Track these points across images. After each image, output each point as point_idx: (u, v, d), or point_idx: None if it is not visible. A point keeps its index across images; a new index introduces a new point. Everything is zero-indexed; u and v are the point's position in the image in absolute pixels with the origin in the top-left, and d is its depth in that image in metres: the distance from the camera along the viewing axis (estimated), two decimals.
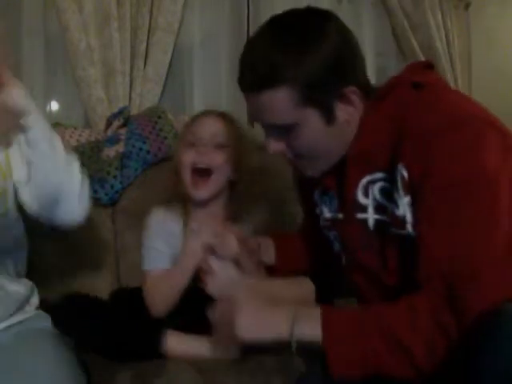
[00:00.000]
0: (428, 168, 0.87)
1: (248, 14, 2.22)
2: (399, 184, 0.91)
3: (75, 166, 1.08)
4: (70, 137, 1.67)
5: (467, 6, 2.51)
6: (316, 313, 0.88)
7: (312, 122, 0.95)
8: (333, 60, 0.93)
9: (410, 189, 0.90)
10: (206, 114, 1.36)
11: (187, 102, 2.17)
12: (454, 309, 0.81)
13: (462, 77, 2.46)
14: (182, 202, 1.32)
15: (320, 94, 0.93)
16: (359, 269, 1.03)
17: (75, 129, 1.73)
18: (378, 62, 2.47)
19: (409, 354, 0.83)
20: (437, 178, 0.86)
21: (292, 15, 1.02)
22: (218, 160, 1.28)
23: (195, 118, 1.35)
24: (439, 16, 2.41)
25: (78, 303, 1.18)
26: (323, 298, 1.16)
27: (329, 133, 0.96)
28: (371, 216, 0.97)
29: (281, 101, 0.94)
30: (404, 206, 0.91)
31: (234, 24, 2.23)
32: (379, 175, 0.96)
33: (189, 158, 1.28)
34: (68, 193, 1.05)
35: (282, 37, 0.96)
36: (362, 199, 0.98)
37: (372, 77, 2.57)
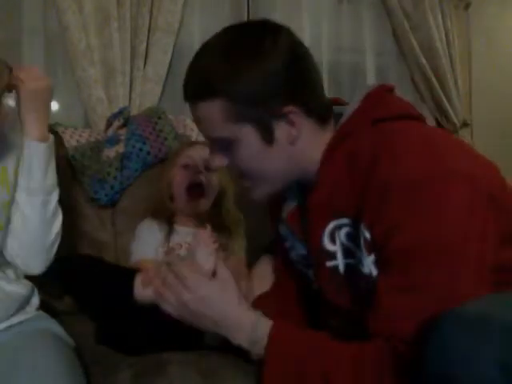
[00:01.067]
0: (390, 234, 0.83)
1: (248, 14, 2.22)
2: (362, 244, 0.88)
3: (57, 221, 1.09)
4: (70, 137, 1.67)
5: (467, 5, 2.51)
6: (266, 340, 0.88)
7: (249, 139, 0.90)
8: (272, 78, 0.87)
9: (373, 248, 0.87)
10: (197, 142, 1.58)
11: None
12: (398, 371, 0.79)
13: (462, 77, 2.47)
14: (166, 214, 1.46)
15: (255, 111, 0.88)
16: (335, 312, 1.01)
17: (75, 129, 1.73)
18: (377, 62, 2.47)
19: None
20: (399, 245, 0.83)
21: (245, 27, 0.97)
22: (210, 179, 1.47)
23: (187, 146, 1.55)
24: (439, 16, 2.42)
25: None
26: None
27: (271, 154, 0.91)
28: (340, 261, 0.95)
29: (214, 114, 0.89)
30: (369, 264, 0.88)
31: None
32: (344, 221, 0.92)
33: (185, 177, 1.46)
34: (38, 247, 1.07)
35: (226, 49, 0.90)
36: (329, 246, 0.95)
37: (372, 77, 2.56)
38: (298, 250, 1.05)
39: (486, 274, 0.83)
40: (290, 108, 0.89)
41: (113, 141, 1.67)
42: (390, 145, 0.86)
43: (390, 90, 0.98)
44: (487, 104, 2.52)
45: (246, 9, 2.23)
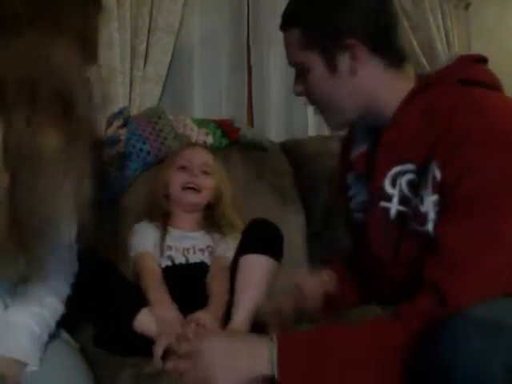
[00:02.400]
0: (464, 175, 0.86)
1: (248, 14, 2.22)
2: (429, 182, 0.91)
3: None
4: None
5: (467, 5, 2.51)
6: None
7: (316, 67, 1.00)
8: (339, 12, 0.98)
9: (440, 189, 0.89)
10: (196, 145, 1.64)
11: (187, 102, 2.17)
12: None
13: None
14: (160, 214, 1.49)
15: (320, 40, 0.99)
16: (372, 258, 1.03)
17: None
18: None
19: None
20: (471, 187, 0.85)
21: None
22: (205, 183, 1.50)
23: (187, 147, 1.59)
24: (439, 16, 2.41)
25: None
26: None
27: (336, 82, 1.00)
28: (394, 206, 0.98)
29: (292, 41, 1.03)
30: (429, 204, 0.91)
31: (233, 24, 2.23)
32: (409, 167, 0.96)
33: (181, 178, 1.49)
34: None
35: None
36: (388, 189, 0.98)
37: None
38: (360, 197, 1.09)
39: None
40: (352, 41, 0.97)
41: (113, 141, 1.67)
42: (471, 101, 0.91)
43: (482, 59, 1.04)
44: None
45: (246, 9, 2.23)
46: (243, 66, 2.25)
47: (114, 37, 1.94)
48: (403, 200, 0.96)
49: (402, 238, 0.96)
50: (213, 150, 1.70)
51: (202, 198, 1.50)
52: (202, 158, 1.54)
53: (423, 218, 0.91)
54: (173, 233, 1.47)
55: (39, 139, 0.82)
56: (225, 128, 1.82)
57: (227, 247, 1.42)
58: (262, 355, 0.86)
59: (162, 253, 1.42)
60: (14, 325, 0.93)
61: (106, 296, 1.22)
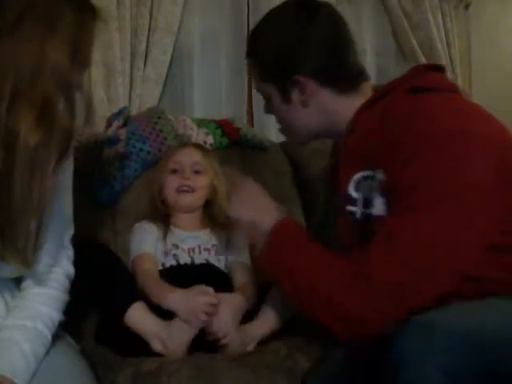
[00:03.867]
0: (402, 176, 0.92)
1: (248, 14, 2.22)
2: (378, 186, 0.98)
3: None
4: None
5: (467, 5, 2.51)
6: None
7: (273, 97, 1.10)
8: (286, 49, 1.06)
9: (386, 191, 0.95)
10: (185, 145, 1.60)
11: (187, 102, 2.17)
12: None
13: (462, 77, 2.47)
14: (160, 216, 1.49)
15: (273, 76, 1.08)
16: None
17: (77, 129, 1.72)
18: (378, 62, 2.47)
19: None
20: (406, 187, 0.91)
21: (288, 2, 1.14)
22: (198, 183, 1.49)
23: (176, 149, 1.57)
24: (439, 16, 2.42)
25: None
26: None
27: (291, 111, 1.10)
28: (359, 210, 1.02)
29: (252, 71, 1.14)
30: (379, 206, 0.98)
31: (233, 24, 2.23)
32: (369, 173, 1.01)
33: (175, 182, 1.48)
34: None
35: (268, 16, 1.12)
36: (353, 193, 1.03)
37: (372, 77, 2.58)
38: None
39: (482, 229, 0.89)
40: (299, 78, 1.05)
41: (113, 141, 1.67)
42: (417, 108, 0.96)
43: (434, 68, 1.09)
44: (487, 104, 2.52)
45: (246, 9, 2.23)
46: (243, 66, 2.24)
47: (114, 37, 1.94)
48: (367, 204, 1.01)
49: (368, 239, 0.98)
50: (213, 149, 1.70)
51: (197, 198, 1.49)
52: (191, 158, 1.52)
53: (377, 220, 0.97)
54: (176, 233, 1.46)
55: (14, 133, 0.85)
56: (225, 128, 1.82)
57: (238, 250, 1.43)
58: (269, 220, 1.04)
59: (166, 252, 1.41)
60: (2, 343, 0.92)
61: (102, 283, 1.23)
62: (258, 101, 2.26)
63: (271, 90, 1.09)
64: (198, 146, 1.61)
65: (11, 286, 1.02)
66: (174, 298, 1.22)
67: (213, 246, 1.45)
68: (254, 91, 2.24)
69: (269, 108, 1.15)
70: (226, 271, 1.43)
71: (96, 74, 1.93)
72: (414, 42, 2.39)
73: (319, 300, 0.92)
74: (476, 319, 0.79)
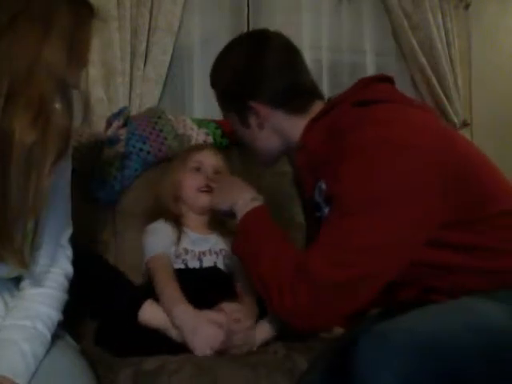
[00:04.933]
0: (335, 186, 0.99)
1: (248, 14, 2.22)
2: (322, 196, 1.06)
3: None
4: None
5: (467, 5, 2.51)
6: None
7: (235, 122, 1.20)
8: (238, 79, 1.15)
9: (328, 200, 1.03)
10: (207, 146, 1.63)
11: (187, 102, 2.17)
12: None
13: (462, 77, 2.47)
14: (173, 216, 1.48)
15: (230, 105, 1.19)
16: None
17: (75, 129, 1.73)
18: (377, 62, 2.47)
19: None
20: (335, 193, 0.98)
21: (241, 35, 1.27)
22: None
23: (198, 149, 1.58)
24: (439, 16, 2.41)
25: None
26: None
27: (251, 134, 1.18)
28: (325, 211, 1.07)
29: (216, 99, 1.25)
30: (327, 215, 1.03)
31: (233, 24, 2.23)
32: (322, 183, 1.08)
33: (196, 181, 1.49)
34: None
35: (224, 49, 1.22)
36: (317, 198, 1.10)
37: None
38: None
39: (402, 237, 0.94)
40: (252, 104, 1.13)
41: (113, 141, 1.67)
42: (354, 120, 1.01)
43: (380, 79, 1.14)
44: (487, 104, 2.52)
45: (246, 9, 2.23)
46: None
47: (114, 37, 1.94)
48: (327, 201, 1.06)
49: None
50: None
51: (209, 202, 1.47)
52: (214, 159, 1.53)
53: None
54: (189, 234, 1.46)
55: (9, 132, 0.85)
56: (225, 128, 1.82)
57: None
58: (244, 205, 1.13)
59: (176, 255, 1.40)
60: (2, 343, 0.92)
61: (103, 290, 1.24)
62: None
63: (232, 117, 1.19)
64: (217, 149, 1.63)
65: (10, 286, 1.02)
66: (183, 314, 1.22)
67: (221, 250, 1.45)
68: None
69: (236, 135, 1.24)
70: (230, 276, 1.42)
71: (96, 73, 1.93)
72: (414, 42, 2.39)
73: (272, 289, 0.99)
74: (430, 327, 0.81)
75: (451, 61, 2.44)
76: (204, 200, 1.45)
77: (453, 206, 0.94)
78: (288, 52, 1.17)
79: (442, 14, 2.42)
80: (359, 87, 1.10)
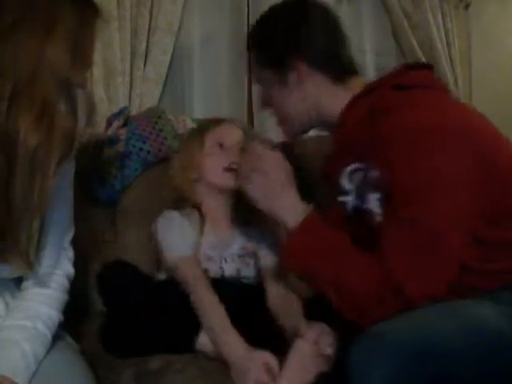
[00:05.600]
0: (388, 172, 0.97)
1: (248, 14, 2.22)
2: (371, 181, 1.01)
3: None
4: None
5: (467, 5, 2.51)
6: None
7: (272, 82, 1.17)
8: (286, 34, 1.14)
9: (379, 186, 0.99)
10: (230, 122, 1.44)
11: (187, 102, 2.17)
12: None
13: (462, 77, 2.46)
14: (192, 208, 1.34)
15: (271, 60, 1.16)
16: None
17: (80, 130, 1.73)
18: (377, 62, 2.47)
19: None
20: (395, 183, 0.96)
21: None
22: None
23: (215, 124, 1.40)
24: (439, 16, 2.41)
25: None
26: None
27: (286, 95, 1.16)
28: (351, 201, 1.06)
29: (253, 59, 1.22)
30: (373, 201, 1.01)
31: (234, 24, 2.23)
32: (360, 165, 1.05)
33: (222, 159, 1.34)
34: None
35: (269, 9, 1.21)
36: (346, 185, 1.07)
37: (372, 77, 2.57)
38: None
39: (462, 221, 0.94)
40: (295, 62, 1.13)
41: (113, 140, 1.67)
42: (398, 103, 1.01)
43: (422, 66, 1.18)
44: (487, 104, 2.52)
45: (246, 9, 2.22)
46: (243, 67, 2.24)
47: (114, 37, 1.94)
48: (359, 195, 1.05)
49: (359, 231, 1.02)
50: None
51: (235, 184, 1.27)
52: (236, 134, 1.39)
53: (370, 213, 1.01)
54: (209, 238, 1.32)
55: (14, 133, 0.85)
56: None
57: (270, 254, 1.31)
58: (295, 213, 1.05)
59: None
60: (2, 343, 0.92)
61: (159, 317, 1.14)
62: (258, 101, 2.26)
63: (269, 76, 1.17)
64: (236, 121, 1.49)
65: (11, 287, 1.02)
66: (235, 351, 1.07)
67: (243, 250, 1.33)
68: (254, 91, 2.25)
69: (266, 100, 1.21)
70: (255, 279, 1.32)
71: (96, 73, 1.93)
72: (414, 42, 2.39)
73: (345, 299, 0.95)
74: (424, 330, 0.81)
75: (451, 61, 2.43)
76: (230, 180, 1.29)
77: (486, 195, 0.95)
78: (336, 21, 1.18)
79: (442, 14, 2.42)
80: (400, 71, 1.12)
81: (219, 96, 2.21)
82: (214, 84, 2.21)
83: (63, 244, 1.05)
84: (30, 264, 0.92)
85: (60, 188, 1.02)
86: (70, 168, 1.06)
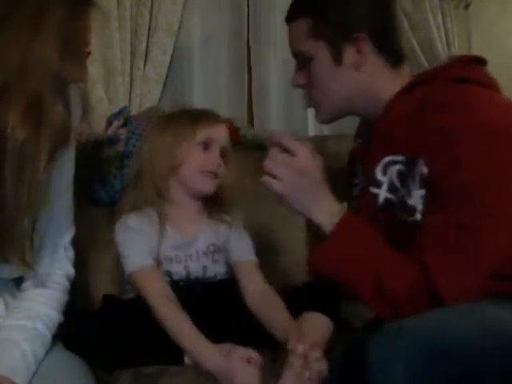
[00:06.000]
0: (448, 171, 0.91)
1: (248, 14, 2.22)
2: (417, 176, 0.95)
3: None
4: None
5: (467, 5, 2.51)
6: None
7: (321, 57, 1.05)
8: (353, 5, 1.04)
9: (427, 184, 0.94)
10: (218, 119, 1.32)
11: (187, 102, 2.16)
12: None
13: None
14: (154, 205, 1.27)
15: (330, 30, 1.03)
16: None
17: (75, 128, 1.72)
18: None
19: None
20: (455, 182, 0.90)
21: None
22: (223, 170, 1.28)
23: (208, 122, 1.28)
24: (439, 16, 2.41)
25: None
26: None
27: (338, 74, 1.05)
28: (383, 193, 1.02)
29: (300, 30, 1.06)
30: (417, 198, 0.96)
31: (234, 24, 2.23)
32: (400, 158, 1.00)
33: (202, 162, 1.26)
34: None
35: None
36: (379, 176, 1.02)
37: None
38: (362, 185, 1.13)
39: None
40: (360, 34, 1.02)
41: (113, 140, 1.67)
42: (461, 98, 0.95)
43: (480, 60, 1.10)
44: None
45: (246, 9, 2.22)
46: (243, 66, 2.24)
47: (114, 37, 1.94)
48: (391, 188, 1.01)
49: (388, 225, 1.00)
50: None
51: (216, 186, 1.28)
52: (225, 139, 1.30)
53: (411, 210, 0.96)
54: (171, 238, 1.26)
55: (2, 128, 0.84)
56: None
57: (241, 243, 1.28)
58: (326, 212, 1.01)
59: (158, 262, 1.23)
60: (2, 343, 0.92)
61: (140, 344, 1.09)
62: (258, 101, 2.26)
63: (320, 49, 1.05)
64: (227, 121, 1.38)
65: (11, 287, 1.02)
66: (211, 359, 1.04)
67: (210, 246, 1.28)
68: (253, 91, 2.25)
69: (303, 76, 1.09)
70: (226, 275, 1.28)
71: (96, 73, 1.93)
72: (414, 42, 2.38)
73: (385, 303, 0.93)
74: (446, 328, 0.79)
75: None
76: (208, 186, 1.26)
77: None
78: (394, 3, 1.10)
79: (442, 13, 2.42)
80: (456, 65, 1.05)
81: (219, 96, 2.21)
82: (214, 84, 2.21)
83: (63, 244, 1.05)
84: (27, 261, 0.91)
85: (59, 188, 1.01)
86: (69, 167, 1.06)
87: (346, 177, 1.26)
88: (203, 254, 1.27)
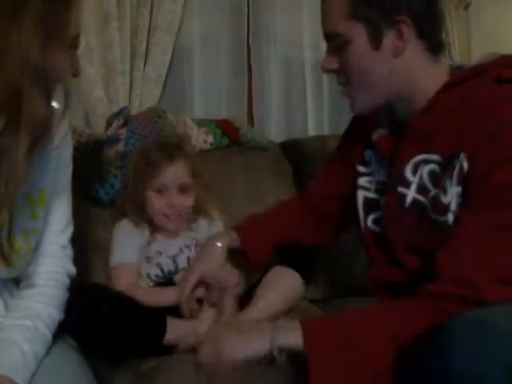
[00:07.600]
0: (492, 169, 0.87)
1: (248, 14, 2.22)
2: (455, 173, 0.91)
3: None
4: (70, 137, 1.67)
5: (467, 6, 2.51)
6: (295, 323, 0.90)
7: (358, 40, 0.97)
8: None
9: (465, 180, 0.90)
10: (169, 160, 1.35)
11: (187, 102, 2.16)
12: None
13: None
14: (145, 220, 1.38)
15: (371, 11, 0.95)
16: (382, 243, 1.04)
17: (75, 129, 1.73)
18: None
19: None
20: (498, 181, 0.86)
21: None
22: (186, 203, 1.37)
23: (158, 166, 1.34)
24: None
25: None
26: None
27: (375, 60, 0.97)
28: (411, 193, 0.98)
29: (337, 9, 0.97)
30: (453, 195, 0.92)
31: (234, 24, 2.23)
32: (435, 157, 0.96)
33: (159, 206, 1.34)
34: None
35: None
36: (408, 175, 0.99)
37: None
38: (376, 177, 1.09)
39: None
40: (403, 18, 0.95)
41: (113, 140, 1.67)
42: (507, 98, 0.91)
43: None
44: None
45: (246, 9, 2.22)
46: (243, 66, 2.24)
47: (114, 37, 1.94)
48: (421, 189, 0.97)
49: (416, 226, 0.97)
50: (213, 149, 1.69)
51: (184, 220, 1.39)
52: (180, 177, 1.36)
53: (444, 208, 0.92)
54: (160, 239, 1.38)
55: None
56: (225, 128, 1.82)
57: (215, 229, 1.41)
58: (264, 335, 0.93)
59: (148, 257, 1.34)
60: (2, 342, 0.92)
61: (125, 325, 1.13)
62: (258, 101, 2.26)
63: (358, 31, 0.97)
64: (181, 154, 1.38)
65: (10, 286, 1.02)
66: (171, 294, 1.24)
67: (192, 241, 1.38)
68: (253, 91, 2.25)
69: (341, 57, 1.00)
70: None
71: (96, 73, 1.93)
72: None
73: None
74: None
75: (451, 61, 2.43)
76: (172, 226, 1.36)
77: None
78: None
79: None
80: (501, 63, 0.98)
81: (219, 96, 2.21)
82: (214, 84, 2.21)
83: (62, 242, 1.05)
84: (6, 257, 0.88)
85: (57, 185, 1.01)
86: (67, 165, 1.06)
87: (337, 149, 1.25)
88: (186, 247, 1.37)
